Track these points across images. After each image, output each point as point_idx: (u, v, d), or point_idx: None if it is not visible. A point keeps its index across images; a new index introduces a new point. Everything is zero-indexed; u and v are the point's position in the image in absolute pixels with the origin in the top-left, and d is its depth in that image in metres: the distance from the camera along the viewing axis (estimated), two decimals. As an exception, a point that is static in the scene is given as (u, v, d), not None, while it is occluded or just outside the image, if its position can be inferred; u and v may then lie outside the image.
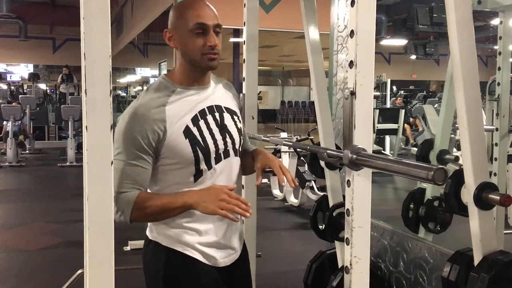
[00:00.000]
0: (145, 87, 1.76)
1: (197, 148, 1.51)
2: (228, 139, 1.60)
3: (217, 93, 1.63)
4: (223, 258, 1.60)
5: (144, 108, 1.47)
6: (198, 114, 1.54)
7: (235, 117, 1.66)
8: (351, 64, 1.21)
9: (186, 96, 1.54)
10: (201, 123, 1.54)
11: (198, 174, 1.53)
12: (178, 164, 1.51)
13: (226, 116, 1.62)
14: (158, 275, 1.54)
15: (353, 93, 1.20)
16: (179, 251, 1.54)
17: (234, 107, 1.69)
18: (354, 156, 1.18)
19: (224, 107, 1.63)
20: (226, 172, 1.59)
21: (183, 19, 1.50)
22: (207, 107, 1.57)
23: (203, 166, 1.53)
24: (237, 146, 1.64)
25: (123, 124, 1.46)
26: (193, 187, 1.51)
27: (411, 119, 10.59)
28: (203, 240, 1.55)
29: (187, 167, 1.52)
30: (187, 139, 1.50)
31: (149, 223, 1.60)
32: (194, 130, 1.51)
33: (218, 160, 1.57)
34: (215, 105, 1.60)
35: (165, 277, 1.53)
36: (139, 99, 1.51)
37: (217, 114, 1.59)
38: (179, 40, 1.52)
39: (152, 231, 1.58)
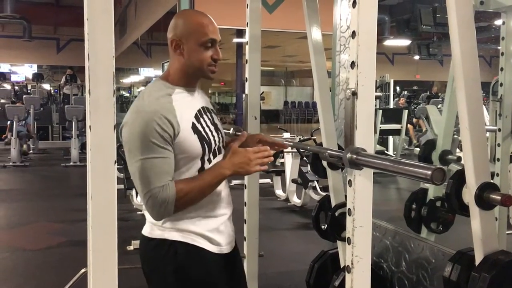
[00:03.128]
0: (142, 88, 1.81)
1: (204, 144, 1.61)
2: (220, 137, 1.73)
3: (200, 96, 1.74)
4: (226, 243, 1.69)
5: (155, 104, 1.53)
6: (197, 113, 1.64)
7: (218, 118, 1.80)
8: (352, 64, 1.22)
9: (184, 96, 1.64)
10: (202, 120, 1.65)
11: (201, 168, 1.63)
12: (186, 159, 1.59)
13: (214, 116, 1.75)
14: (166, 270, 1.60)
15: (354, 94, 1.21)
16: (187, 243, 1.60)
17: (214, 110, 1.82)
18: (354, 156, 1.19)
19: (210, 108, 1.76)
20: None
21: (196, 32, 1.60)
22: (201, 107, 1.68)
23: (206, 161, 1.64)
24: (223, 143, 1.78)
25: (138, 123, 1.50)
26: None
27: (414, 120, 10.56)
28: (208, 226, 1.64)
29: (193, 161, 1.61)
30: (196, 135, 1.59)
31: (149, 222, 1.65)
32: (199, 127, 1.62)
33: (214, 155, 1.68)
34: (205, 106, 1.71)
35: (175, 271, 1.59)
36: (144, 99, 1.56)
37: (208, 114, 1.71)
38: (187, 50, 1.61)
39: (153, 229, 1.63)
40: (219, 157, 1.70)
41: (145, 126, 1.49)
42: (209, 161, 1.65)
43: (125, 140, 1.53)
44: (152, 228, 1.63)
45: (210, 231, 1.64)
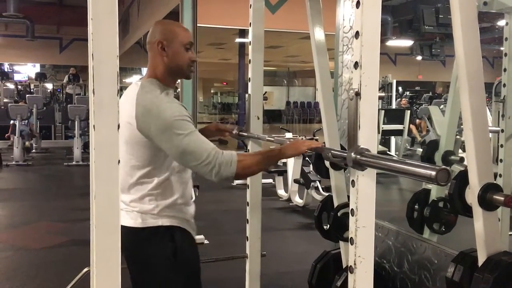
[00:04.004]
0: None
1: None
2: None
3: None
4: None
5: (169, 98, 1.73)
6: None
7: None
8: (356, 65, 1.22)
9: (172, 95, 1.81)
10: None
11: None
12: None
13: None
14: (165, 254, 1.73)
15: (357, 94, 1.21)
16: (180, 227, 1.78)
17: None
18: (358, 156, 1.19)
19: None
20: None
21: (180, 35, 1.83)
22: None
23: None
24: None
25: (165, 109, 1.65)
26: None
27: (417, 121, 10.53)
28: (190, 212, 1.85)
29: None
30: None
31: (138, 212, 1.74)
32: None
33: None
34: None
35: (174, 252, 1.74)
36: (154, 94, 1.71)
37: None
38: (171, 50, 1.81)
39: (145, 219, 1.74)
40: None
41: (173, 109, 1.66)
42: None
43: (158, 128, 1.63)
44: (144, 218, 1.74)
45: (191, 217, 1.86)
